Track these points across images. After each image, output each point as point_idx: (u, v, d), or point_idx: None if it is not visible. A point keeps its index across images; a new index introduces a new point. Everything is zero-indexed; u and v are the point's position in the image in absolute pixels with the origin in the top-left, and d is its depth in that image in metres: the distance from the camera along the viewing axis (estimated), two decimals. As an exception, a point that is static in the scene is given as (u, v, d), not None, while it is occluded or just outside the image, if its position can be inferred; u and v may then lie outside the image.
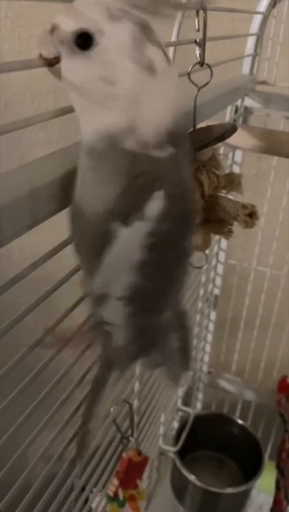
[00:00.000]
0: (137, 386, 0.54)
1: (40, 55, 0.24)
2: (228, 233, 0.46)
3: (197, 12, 0.40)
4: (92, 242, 0.26)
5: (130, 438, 0.51)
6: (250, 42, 0.68)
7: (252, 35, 0.65)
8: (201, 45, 0.41)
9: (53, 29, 0.23)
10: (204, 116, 0.52)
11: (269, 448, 0.96)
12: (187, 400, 0.90)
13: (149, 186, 0.24)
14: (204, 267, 0.65)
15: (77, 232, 0.27)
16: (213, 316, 0.88)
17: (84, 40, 0.22)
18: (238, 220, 0.44)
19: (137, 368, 0.53)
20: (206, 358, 0.93)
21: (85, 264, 0.28)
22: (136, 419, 0.57)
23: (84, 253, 0.27)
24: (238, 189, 0.49)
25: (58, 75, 0.24)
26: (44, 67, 0.24)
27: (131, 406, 0.51)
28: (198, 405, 1.00)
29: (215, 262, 0.83)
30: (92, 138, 0.24)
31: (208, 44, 0.39)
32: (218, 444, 0.88)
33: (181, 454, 0.76)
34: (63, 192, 0.26)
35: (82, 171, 0.25)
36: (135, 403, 0.56)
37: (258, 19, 0.66)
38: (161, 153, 0.25)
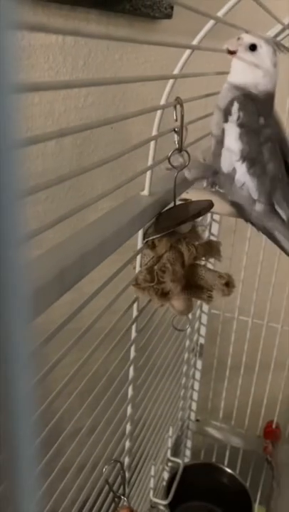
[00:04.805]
0: (127, 444, 0.56)
1: (227, 48, 0.48)
2: (208, 299, 0.50)
3: (175, 106, 0.46)
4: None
5: (122, 497, 0.53)
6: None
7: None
8: (179, 133, 0.46)
9: (239, 39, 0.48)
10: (188, 185, 0.57)
11: (259, 494, 0.97)
12: (176, 450, 0.91)
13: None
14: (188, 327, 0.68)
15: None
16: (199, 364, 0.91)
17: (252, 47, 0.47)
18: (215, 288, 0.48)
19: (128, 426, 0.55)
20: (194, 406, 0.95)
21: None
22: (127, 475, 0.58)
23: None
24: (217, 256, 0.54)
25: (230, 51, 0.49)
26: (227, 54, 0.49)
27: (122, 465, 0.53)
28: (188, 453, 1.01)
29: (199, 312, 0.87)
30: (242, 85, 0.48)
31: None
32: (208, 494, 0.88)
33: (172, 505, 0.76)
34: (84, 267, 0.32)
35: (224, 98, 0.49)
36: (126, 460, 0.58)
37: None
38: (263, 97, 0.48)
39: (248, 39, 0.48)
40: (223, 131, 0.49)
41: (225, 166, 0.50)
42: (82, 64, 0.68)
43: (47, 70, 0.63)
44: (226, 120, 0.49)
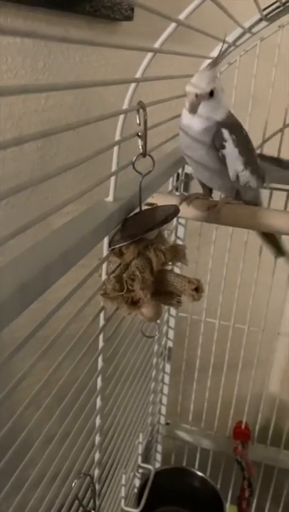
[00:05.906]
0: (97, 455, 0.55)
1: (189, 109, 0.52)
2: (177, 304, 0.49)
3: (138, 110, 0.45)
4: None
5: (92, 511, 0.51)
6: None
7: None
8: (143, 138, 0.46)
9: (197, 96, 0.50)
10: (153, 190, 0.56)
11: (230, 494, 0.98)
12: (147, 455, 0.90)
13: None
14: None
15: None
16: (167, 368, 0.90)
17: (212, 93, 0.51)
18: (185, 293, 0.47)
19: (97, 437, 0.54)
20: (163, 410, 0.94)
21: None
22: (97, 487, 0.57)
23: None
24: (183, 260, 0.53)
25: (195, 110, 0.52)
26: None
27: (92, 478, 0.52)
28: (158, 457, 1.00)
29: (167, 315, 0.87)
30: (209, 122, 0.52)
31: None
32: (180, 499, 0.88)
33: (144, 512, 0.76)
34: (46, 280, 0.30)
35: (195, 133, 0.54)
36: (96, 472, 0.56)
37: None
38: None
39: (203, 89, 0.51)
40: (220, 159, 0.54)
41: (232, 178, 0.57)
42: (42, 66, 0.66)
43: (5, 71, 0.61)
44: (222, 147, 0.53)
